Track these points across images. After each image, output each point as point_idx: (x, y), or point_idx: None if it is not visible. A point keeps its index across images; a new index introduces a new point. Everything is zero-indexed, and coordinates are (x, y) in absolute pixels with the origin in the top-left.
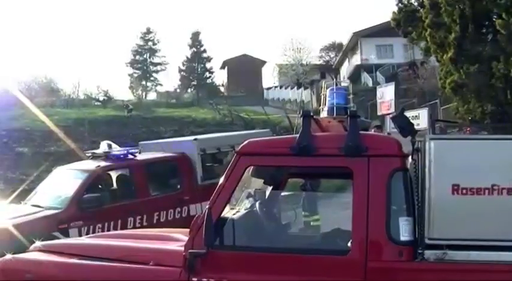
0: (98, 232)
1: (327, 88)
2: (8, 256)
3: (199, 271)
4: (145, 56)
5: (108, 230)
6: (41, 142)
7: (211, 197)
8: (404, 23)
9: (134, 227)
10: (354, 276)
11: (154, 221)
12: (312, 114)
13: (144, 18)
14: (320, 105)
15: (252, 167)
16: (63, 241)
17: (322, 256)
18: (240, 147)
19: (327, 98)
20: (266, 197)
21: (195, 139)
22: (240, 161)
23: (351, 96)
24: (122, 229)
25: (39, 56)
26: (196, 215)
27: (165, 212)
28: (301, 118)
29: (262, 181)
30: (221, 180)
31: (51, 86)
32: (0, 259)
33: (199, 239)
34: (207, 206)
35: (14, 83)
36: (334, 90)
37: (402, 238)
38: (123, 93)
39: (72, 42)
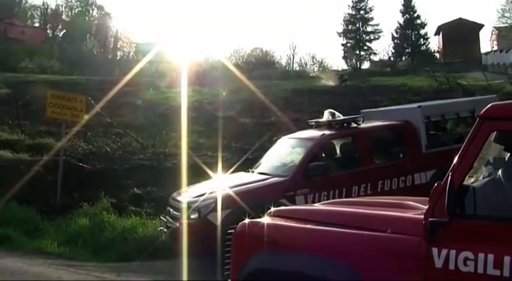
0: (324, 199)
1: None
2: (246, 221)
3: (439, 241)
4: (357, 25)
5: (334, 198)
6: (261, 113)
7: (453, 164)
8: None
9: (359, 195)
10: None
11: (379, 189)
12: None
13: None
14: None
15: (496, 132)
16: (297, 207)
17: None
18: (482, 111)
19: None
20: (508, 164)
21: (419, 106)
22: (483, 126)
23: None
24: (347, 197)
25: (255, 29)
26: (437, 183)
27: (389, 180)
28: None
29: (502, 147)
30: (463, 146)
31: (267, 59)
32: (240, 224)
33: (440, 207)
34: (448, 173)
35: (233, 58)
36: None
37: None
38: (338, 63)
39: (285, 14)
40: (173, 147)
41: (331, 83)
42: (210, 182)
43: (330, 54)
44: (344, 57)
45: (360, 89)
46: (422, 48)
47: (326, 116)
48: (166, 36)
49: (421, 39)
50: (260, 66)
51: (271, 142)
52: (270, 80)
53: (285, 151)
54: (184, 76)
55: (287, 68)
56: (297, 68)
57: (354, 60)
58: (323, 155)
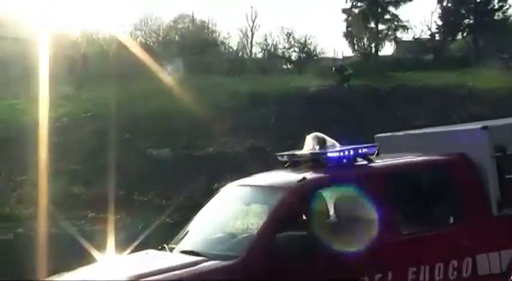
0: None
1: None
2: None
3: None
4: None
5: None
6: (189, 139)
7: None
8: None
9: None
10: None
11: None
12: None
13: None
14: None
15: None
16: None
17: None
18: None
19: None
20: None
21: (486, 127)
22: None
23: None
24: None
25: None
26: None
27: (426, 268)
28: None
29: None
30: None
31: (204, 37)
32: None
33: None
34: None
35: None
36: None
37: None
38: (337, 45)
39: None
40: (18, 204)
41: (321, 82)
42: (87, 273)
43: (325, 33)
44: (348, 35)
45: (376, 93)
46: (495, 17)
47: (309, 144)
48: None
49: (495, 1)
50: (191, 49)
51: (207, 193)
52: (209, 75)
53: (231, 211)
54: (44, 69)
55: (241, 53)
56: (260, 55)
57: (365, 40)
58: (303, 217)
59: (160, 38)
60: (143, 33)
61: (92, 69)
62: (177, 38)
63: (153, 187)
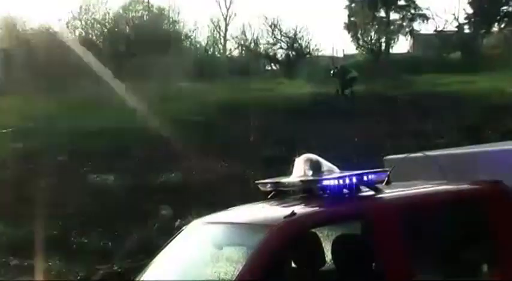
0: None
1: None
2: None
3: None
4: None
5: None
6: (133, 163)
7: None
8: None
9: None
10: None
11: None
12: None
13: None
14: None
15: None
16: None
17: None
18: None
19: None
20: None
21: None
22: None
23: None
24: None
25: None
26: None
27: None
28: None
29: None
30: None
31: (162, 27)
32: None
33: None
34: None
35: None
36: None
37: None
38: (337, 42)
39: None
40: None
41: (316, 88)
42: None
43: (320, 25)
44: (350, 27)
45: (387, 102)
46: None
47: (300, 169)
48: None
49: None
50: (146, 45)
51: (167, 232)
52: (171, 79)
53: (198, 256)
54: None
55: (211, 51)
56: (236, 53)
57: (372, 33)
58: (291, 264)
59: (105, 30)
60: (83, 23)
61: (16, 70)
62: (127, 30)
63: (97, 224)
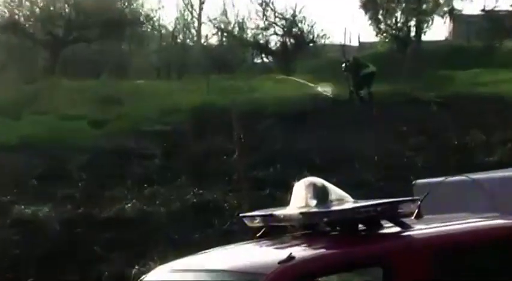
0: None
1: None
2: None
3: None
4: None
5: None
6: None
7: None
8: None
9: None
10: None
11: None
12: None
13: None
14: None
15: None
16: None
17: None
18: None
19: None
20: None
21: None
22: None
23: None
24: None
25: None
26: None
27: None
28: None
29: None
30: None
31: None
32: None
33: None
34: None
35: None
36: None
37: None
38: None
39: None
40: None
41: (321, 86)
42: None
43: (327, 4)
44: (367, 6)
45: (416, 107)
46: None
47: (300, 197)
48: None
49: None
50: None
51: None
52: (127, 75)
53: None
54: None
55: (181, 37)
56: (214, 40)
57: (398, 14)
58: None
59: (38, 10)
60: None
61: None
62: (67, 10)
63: (26, 272)
